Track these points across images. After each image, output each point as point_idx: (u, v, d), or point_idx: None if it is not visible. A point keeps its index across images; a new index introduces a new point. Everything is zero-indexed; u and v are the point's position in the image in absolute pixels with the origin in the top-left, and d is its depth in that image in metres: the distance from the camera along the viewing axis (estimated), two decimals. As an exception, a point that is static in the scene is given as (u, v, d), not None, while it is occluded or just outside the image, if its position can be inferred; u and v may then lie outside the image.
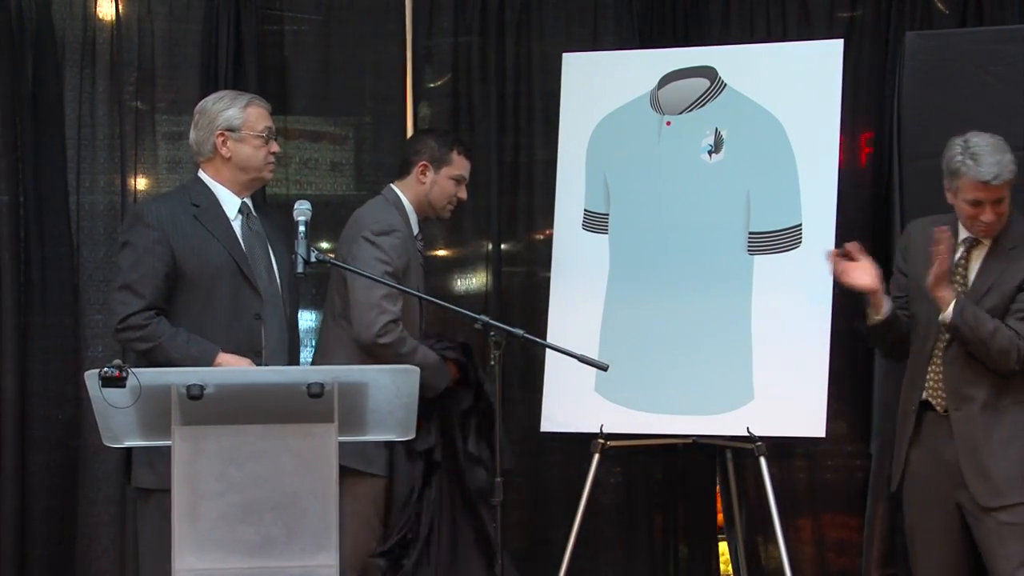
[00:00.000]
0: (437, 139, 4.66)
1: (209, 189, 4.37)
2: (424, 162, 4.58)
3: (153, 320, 4.22)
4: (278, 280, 4.41)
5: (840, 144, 4.86)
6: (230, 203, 4.36)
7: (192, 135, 4.44)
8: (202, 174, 4.39)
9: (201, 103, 4.48)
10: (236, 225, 4.37)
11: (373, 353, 4.34)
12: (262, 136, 4.38)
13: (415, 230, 4.60)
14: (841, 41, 4.89)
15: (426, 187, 4.59)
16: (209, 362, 4.08)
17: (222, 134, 4.34)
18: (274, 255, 4.43)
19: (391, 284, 4.38)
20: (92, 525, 5.01)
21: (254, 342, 4.29)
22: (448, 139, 4.67)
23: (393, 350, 4.35)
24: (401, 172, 4.65)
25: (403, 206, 4.59)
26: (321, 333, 4.64)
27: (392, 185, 4.65)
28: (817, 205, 4.77)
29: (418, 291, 4.50)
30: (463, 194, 4.68)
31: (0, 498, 4.97)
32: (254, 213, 4.45)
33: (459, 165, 4.65)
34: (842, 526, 5.27)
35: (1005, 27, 5.08)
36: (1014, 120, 4.70)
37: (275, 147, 4.46)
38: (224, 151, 4.34)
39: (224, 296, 4.30)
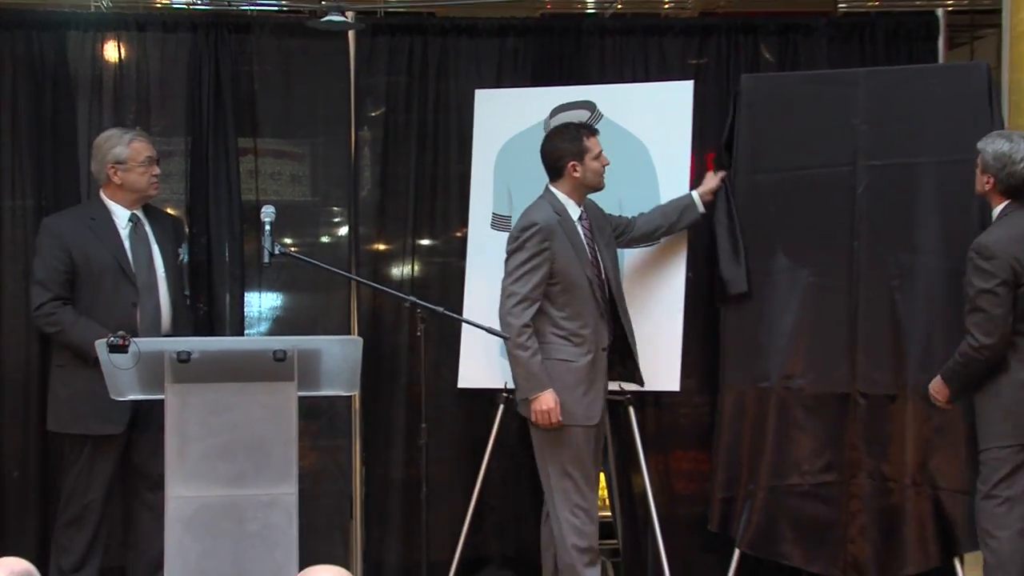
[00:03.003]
0: (567, 140, 4.80)
1: (104, 206, 4.79)
2: (571, 162, 4.78)
3: (59, 309, 4.66)
4: (161, 272, 4.77)
5: (692, 163, 5.18)
6: (121, 216, 4.79)
7: (92, 166, 4.85)
8: (101, 194, 4.83)
9: (96, 140, 4.81)
10: (125, 233, 4.76)
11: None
12: (144, 164, 4.75)
13: (576, 214, 4.80)
14: (692, 82, 5.22)
15: (581, 177, 4.80)
16: (92, 343, 4.24)
17: (112, 167, 4.77)
18: (161, 253, 4.79)
19: (346, 273, 4.85)
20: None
21: (131, 323, 4.61)
22: (574, 132, 4.81)
23: (514, 333, 4.63)
24: (554, 176, 4.84)
25: (558, 200, 4.79)
26: None
27: (549, 185, 4.84)
28: (673, 210, 5.00)
29: (599, 264, 4.74)
30: (607, 160, 4.84)
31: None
32: (144, 222, 4.81)
33: (594, 144, 4.81)
34: (693, 459, 5.51)
35: (815, 72, 5.46)
36: (824, 144, 5.10)
37: (156, 170, 4.77)
38: (116, 179, 4.78)
39: (107, 289, 4.67)
